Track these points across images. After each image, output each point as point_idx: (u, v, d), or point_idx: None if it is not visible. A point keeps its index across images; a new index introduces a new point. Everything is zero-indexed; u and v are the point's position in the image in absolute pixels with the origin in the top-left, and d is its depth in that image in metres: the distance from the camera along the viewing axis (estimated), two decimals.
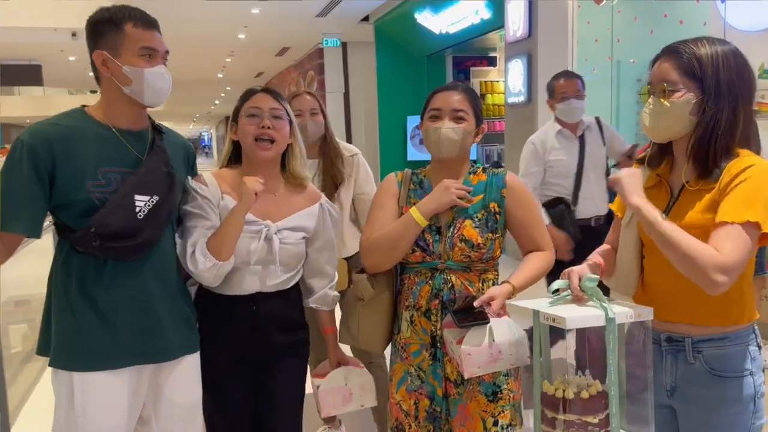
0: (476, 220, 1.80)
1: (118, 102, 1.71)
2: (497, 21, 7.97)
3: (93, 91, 25.14)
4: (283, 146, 1.93)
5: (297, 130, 1.98)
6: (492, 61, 10.77)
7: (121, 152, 1.69)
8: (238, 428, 1.94)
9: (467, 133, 1.82)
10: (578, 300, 1.47)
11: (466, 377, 1.65)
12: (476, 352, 1.61)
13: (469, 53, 10.63)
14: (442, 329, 1.77)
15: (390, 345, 1.94)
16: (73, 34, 11.78)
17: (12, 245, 1.64)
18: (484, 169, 1.89)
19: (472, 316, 1.65)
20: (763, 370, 1.53)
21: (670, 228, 1.39)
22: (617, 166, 3.71)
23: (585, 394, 1.42)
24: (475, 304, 1.66)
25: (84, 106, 1.74)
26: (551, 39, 6.40)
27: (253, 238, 1.86)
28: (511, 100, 7.04)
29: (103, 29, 1.67)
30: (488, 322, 1.63)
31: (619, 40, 6.01)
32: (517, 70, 6.86)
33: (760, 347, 1.52)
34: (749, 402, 1.48)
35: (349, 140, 13.74)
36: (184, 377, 1.81)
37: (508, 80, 7.08)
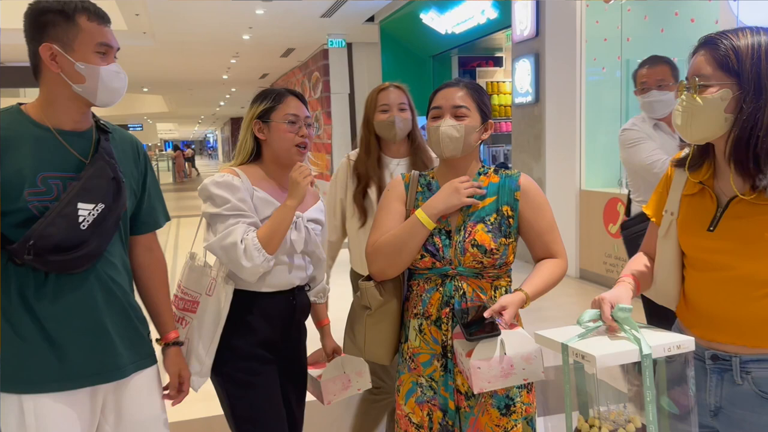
0: (489, 224, 1.71)
1: (62, 101, 1.56)
2: (504, 21, 7.91)
3: None
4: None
5: None
6: (498, 62, 10.70)
7: (62, 156, 1.54)
8: (279, 427, 1.95)
9: (470, 129, 1.72)
10: (611, 331, 1.35)
11: (475, 392, 1.56)
12: (486, 366, 1.51)
13: (475, 53, 10.58)
14: (452, 339, 1.69)
15: (397, 355, 1.87)
16: None
17: None
18: (495, 170, 1.81)
19: (482, 327, 1.55)
20: None
21: None
22: None
23: None
24: (486, 314, 1.57)
25: (20, 104, 1.59)
26: (559, 38, 6.33)
27: (290, 230, 1.89)
28: (518, 100, 6.97)
29: (51, 20, 1.51)
30: (499, 334, 1.53)
31: (628, 39, 5.93)
32: (524, 69, 6.79)
33: None
34: None
35: (354, 142, 13.68)
36: (144, 392, 1.70)
37: (515, 80, 7.01)
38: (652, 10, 5.79)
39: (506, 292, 1.74)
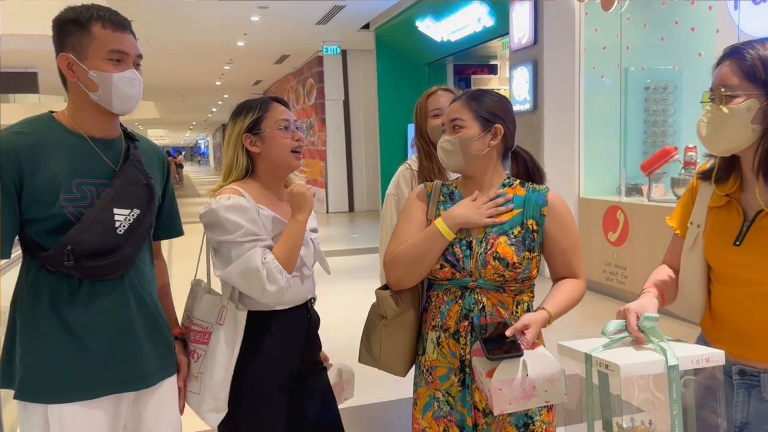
0: (512, 237, 1.66)
1: (86, 109, 1.58)
2: (500, 29, 7.89)
3: None
4: None
5: None
6: (493, 69, 10.72)
7: (95, 162, 1.56)
8: None
9: (466, 140, 1.69)
10: (638, 342, 1.32)
11: (495, 414, 1.51)
12: (508, 388, 1.47)
13: (470, 61, 10.60)
14: (471, 355, 1.64)
15: (414, 367, 1.82)
16: None
17: None
18: (522, 183, 1.76)
19: (504, 346, 1.50)
20: None
21: None
22: None
23: None
24: (508, 332, 1.52)
25: (52, 111, 1.61)
26: (558, 46, 6.31)
27: None
28: (516, 108, 6.93)
29: (68, 30, 1.53)
30: (521, 355, 1.48)
31: (628, 48, 5.91)
32: (522, 77, 6.76)
33: None
34: None
35: (348, 149, 13.67)
36: (164, 403, 1.70)
37: (513, 88, 6.98)
38: (652, 18, 5.77)
39: (528, 309, 1.69)
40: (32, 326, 1.53)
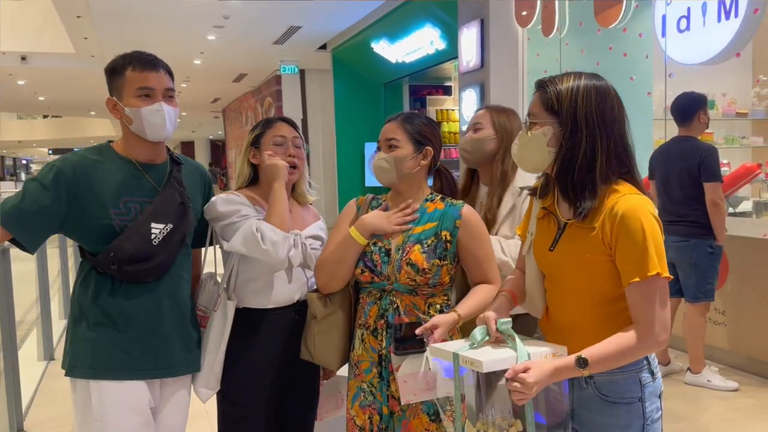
0: (425, 245, 1.84)
1: (130, 139, 1.87)
2: (452, 51, 8.15)
3: (45, 116, 24.50)
4: (302, 170, 2.16)
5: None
6: (447, 90, 10.97)
7: (141, 183, 1.85)
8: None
9: (400, 159, 1.87)
10: (498, 342, 1.51)
11: (402, 404, 1.71)
12: (412, 380, 1.66)
13: (425, 82, 10.82)
14: (389, 350, 1.81)
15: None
16: (23, 58, 11.55)
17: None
18: (443, 198, 1.94)
19: (415, 342, 1.69)
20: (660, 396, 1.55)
21: (594, 358, 1.41)
22: None
23: None
24: (417, 331, 1.70)
25: (110, 141, 1.92)
26: (503, 69, 6.59)
27: (288, 247, 2.01)
28: (465, 128, 7.19)
29: (111, 77, 1.84)
30: (424, 351, 1.68)
31: (567, 71, 6.22)
32: (470, 99, 7.02)
33: (653, 374, 1.53)
34: (638, 429, 1.50)
35: (307, 166, 13.73)
36: (180, 395, 1.95)
37: (462, 109, 7.23)
38: (588, 44, 6.10)
39: (442, 310, 1.87)
40: (81, 315, 1.82)
